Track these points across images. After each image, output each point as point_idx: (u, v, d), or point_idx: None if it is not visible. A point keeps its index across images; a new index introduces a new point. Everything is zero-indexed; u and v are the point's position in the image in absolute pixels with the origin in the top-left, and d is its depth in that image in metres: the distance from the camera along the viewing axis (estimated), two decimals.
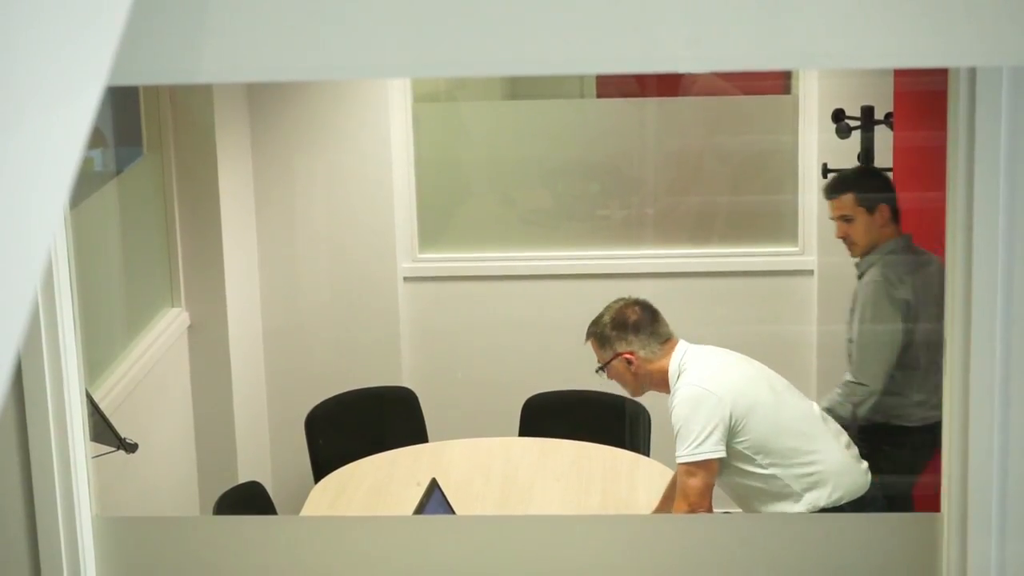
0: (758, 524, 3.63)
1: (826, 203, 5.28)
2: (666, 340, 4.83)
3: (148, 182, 5.88)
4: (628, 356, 4.82)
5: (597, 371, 4.94)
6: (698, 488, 4.62)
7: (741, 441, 4.63)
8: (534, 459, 5.54)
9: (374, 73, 2.06)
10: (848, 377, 5.18)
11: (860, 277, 5.19)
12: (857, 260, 5.21)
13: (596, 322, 4.93)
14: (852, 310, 5.18)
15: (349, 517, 4.81)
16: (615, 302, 4.98)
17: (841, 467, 4.65)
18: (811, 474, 4.64)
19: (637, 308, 4.88)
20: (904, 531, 2.99)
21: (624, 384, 4.93)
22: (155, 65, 1.90)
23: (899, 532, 3.00)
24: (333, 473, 5.46)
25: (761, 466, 4.65)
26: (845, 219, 5.19)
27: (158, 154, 5.89)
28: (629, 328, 4.83)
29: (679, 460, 4.67)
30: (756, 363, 4.85)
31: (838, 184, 5.27)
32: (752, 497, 4.74)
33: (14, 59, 1.20)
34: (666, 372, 4.77)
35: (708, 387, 4.66)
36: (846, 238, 5.21)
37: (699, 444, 4.61)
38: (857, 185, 5.21)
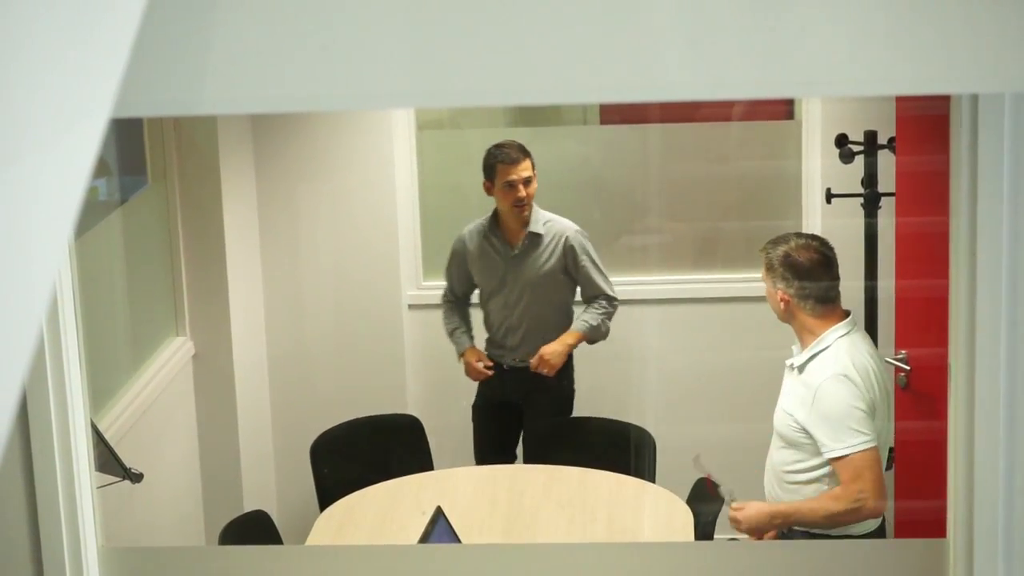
0: (763, 550, 3.62)
1: (516, 177, 6.00)
2: (829, 304, 4.63)
3: (152, 211, 5.89)
4: (784, 297, 4.64)
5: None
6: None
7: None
8: (539, 486, 5.54)
9: (378, 104, 2.07)
10: (604, 298, 6.09)
11: (535, 237, 6.05)
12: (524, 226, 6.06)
13: (773, 244, 4.70)
14: (564, 259, 6.06)
15: (354, 546, 4.81)
16: (799, 235, 4.76)
17: None
18: None
19: (814, 255, 4.64)
20: (910, 556, 2.98)
21: (774, 311, 4.73)
22: (159, 97, 1.91)
23: (905, 557, 2.99)
24: (339, 501, 5.45)
25: (807, 470, 4.59)
26: (528, 181, 5.98)
27: (162, 183, 5.90)
28: (794, 272, 4.62)
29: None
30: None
31: (522, 149, 6.01)
32: (786, 490, 4.67)
33: (19, 91, 1.20)
34: (811, 336, 4.61)
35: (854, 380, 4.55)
36: (525, 199, 5.99)
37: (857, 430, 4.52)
38: (529, 153, 6.04)
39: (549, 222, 6.09)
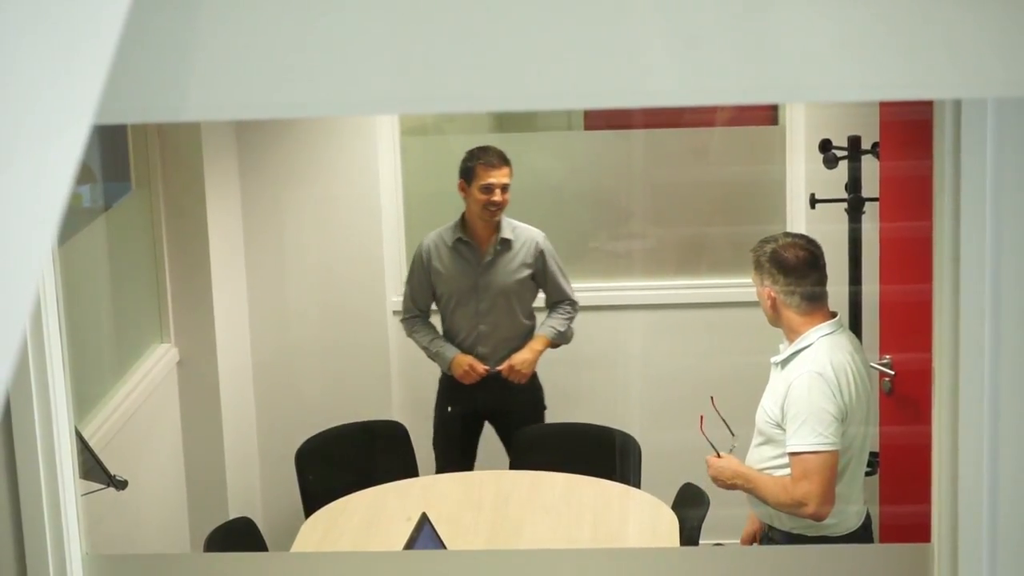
0: (747, 555, 3.63)
1: (497, 178, 6.00)
2: (816, 303, 4.65)
3: (137, 218, 5.88)
4: (771, 295, 4.67)
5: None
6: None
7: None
8: (524, 492, 5.53)
9: (362, 110, 2.07)
10: (569, 303, 6.19)
11: (505, 246, 6.07)
12: (497, 225, 6.08)
13: (762, 243, 4.73)
14: (534, 264, 6.11)
15: (340, 552, 4.80)
16: (787, 234, 4.81)
17: (849, 499, 4.62)
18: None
19: (802, 253, 4.67)
20: (895, 561, 2.99)
21: (765, 313, 4.76)
22: (141, 103, 1.91)
23: (890, 562, 3.00)
24: (323, 508, 5.44)
25: (785, 465, 4.60)
26: (505, 188, 5.99)
27: (147, 190, 5.89)
28: (780, 269, 4.65)
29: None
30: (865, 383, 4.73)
31: (504, 157, 6.02)
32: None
33: (0, 98, 1.20)
34: (796, 335, 4.64)
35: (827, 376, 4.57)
36: (500, 204, 6.01)
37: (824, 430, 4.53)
38: (510, 162, 6.05)
39: (517, 228, 6.12)
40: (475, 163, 6.00)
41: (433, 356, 6.18)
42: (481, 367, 6.09)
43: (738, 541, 5.02)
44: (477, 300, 6.10)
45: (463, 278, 6.10)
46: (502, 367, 6.10)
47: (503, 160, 6.00)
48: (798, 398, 4.54)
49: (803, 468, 4.51)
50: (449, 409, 6.27)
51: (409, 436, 6.23)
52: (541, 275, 6.13)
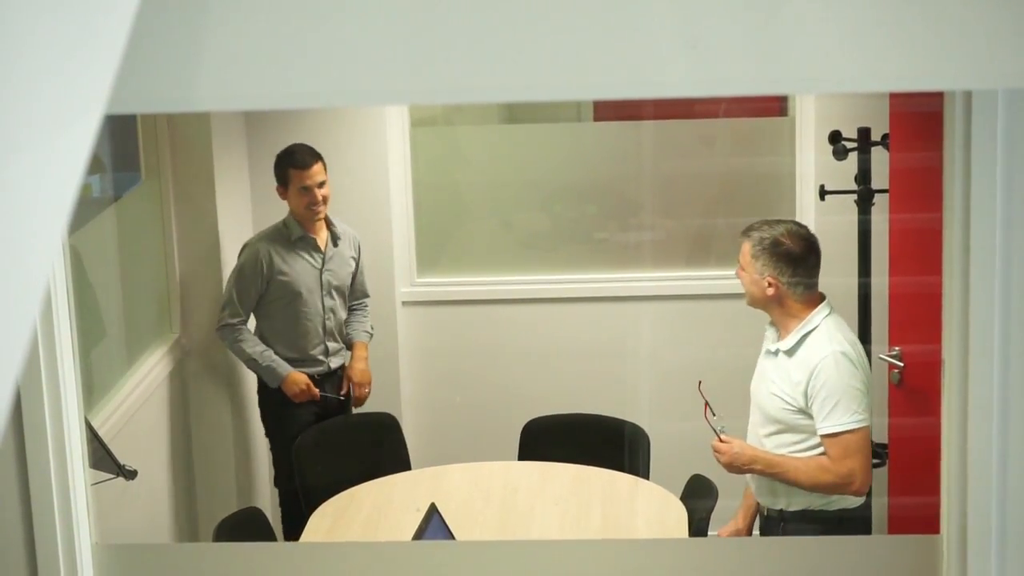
0: (756, 547, 3.63)
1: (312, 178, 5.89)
2: (812, 289, 4.68)
3: (146, 208, 5.89)
4: (774, 284, 4.66)
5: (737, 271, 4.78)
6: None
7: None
8: (533, 483, 5.54)
9: (371, 100, 2.07)
10: (366, 298, 6.21)
11: (337, 240, 6.00)
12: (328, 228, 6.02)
13: (756, 232, 4.72)
14: (357, 258, 6.13)
15: (348, 543, 4.81)
16: (780, 222, 4.78)
17: None
18: None
19: (803, 242, 4.67)
20: (904, 552, 2.99)
21: (751, 297, 4.77)
22: (153, 93, 1.91)
23: (899, 553, 3.00)
24: (332, 498, 5.44)
25: (808, 449, 4.61)
26: (321, 184, 5.86)
27: (156, 180, 5.90)
28: (788, 261, 4.65)
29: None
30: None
31: (313, 153, 5.88)
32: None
33: (14, 88, 1.20)
34: (795, 320, 4.65)
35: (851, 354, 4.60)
36: (320, 201, 5.87)
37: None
38: (320, 156, 5.93)
39: (339, 223, 6.07)
40: (286, 168, 5.87)
41: (262, 369, 5.95)
42: (315, 390, 5.96)
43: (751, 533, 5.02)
44: (322, 296, 6.00)
45: (308, 276, 5.95)
46: (357, 395, 6.11)
47: (313, 157, 5.88)
48: (827, 380, 4.56)
49: (843, 447, 4.54)
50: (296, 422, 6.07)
51: (401, 429, 6.20)
52: (357, 269, 6.12)
